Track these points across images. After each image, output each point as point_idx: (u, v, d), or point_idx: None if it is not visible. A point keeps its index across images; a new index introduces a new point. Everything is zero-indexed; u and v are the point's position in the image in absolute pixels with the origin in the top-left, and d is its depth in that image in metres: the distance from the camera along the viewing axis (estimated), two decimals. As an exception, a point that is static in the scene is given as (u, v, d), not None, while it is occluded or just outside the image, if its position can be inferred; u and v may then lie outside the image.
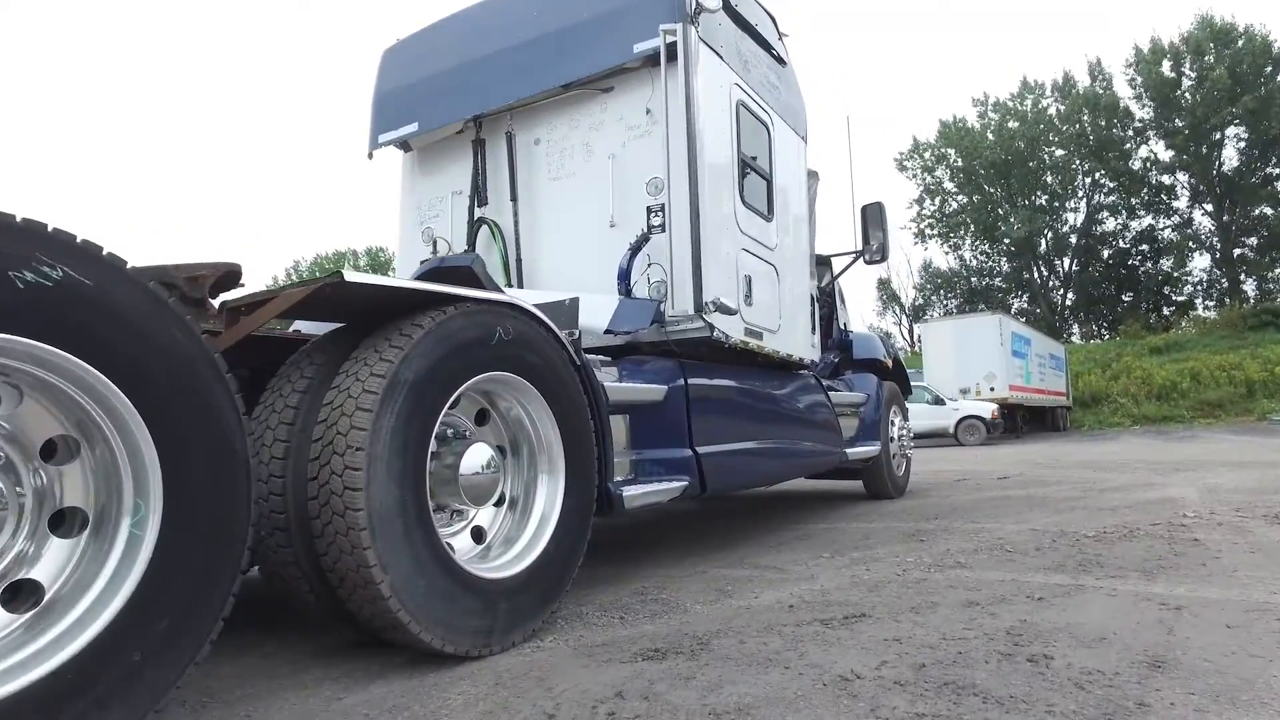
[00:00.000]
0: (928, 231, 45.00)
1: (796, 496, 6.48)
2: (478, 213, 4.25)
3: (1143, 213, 41.68)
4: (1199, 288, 40.96)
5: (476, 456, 2.35)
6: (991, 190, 42.97)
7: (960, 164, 43.18)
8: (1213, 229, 39.33)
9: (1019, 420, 20.75)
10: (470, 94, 4.23)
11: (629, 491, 2.90)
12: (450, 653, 2.09)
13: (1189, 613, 2.30)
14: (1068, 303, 43.87)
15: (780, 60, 4.60)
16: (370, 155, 4.63)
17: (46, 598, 1.49)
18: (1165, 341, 32.42)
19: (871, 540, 4.01)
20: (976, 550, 3.56)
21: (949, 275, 46.43)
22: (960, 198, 44.22)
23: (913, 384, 20.09)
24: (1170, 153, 39.07)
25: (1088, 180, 41.95)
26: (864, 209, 5.88)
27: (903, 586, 2.86)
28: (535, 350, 2.48)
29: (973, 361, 19.68)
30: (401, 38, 4.70)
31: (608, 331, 3.40)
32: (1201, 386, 25.72)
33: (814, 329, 5.43)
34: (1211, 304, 39.82)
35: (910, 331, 45.16)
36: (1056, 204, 42.71)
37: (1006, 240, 42.54)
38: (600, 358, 3.33)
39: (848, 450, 5.18)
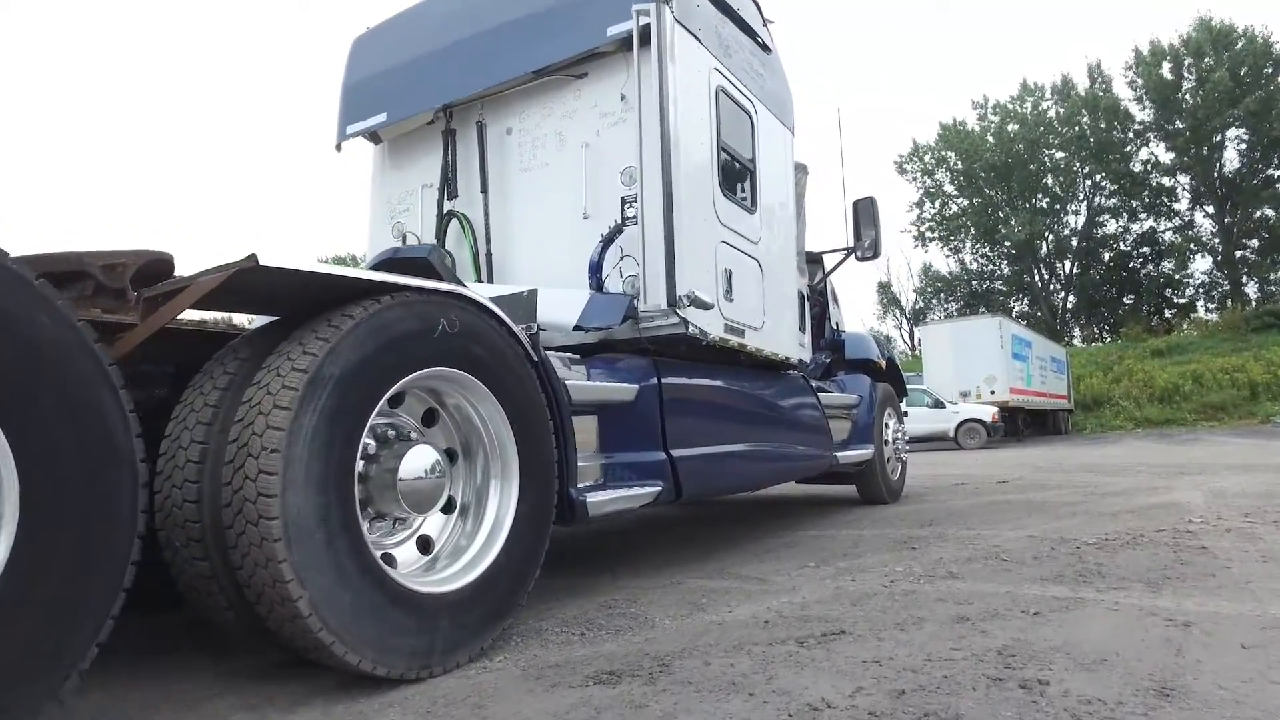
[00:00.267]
0: (928, 235, 44.85)
1: (787, 502, 6.28)
2: (447, 206, 4.07)
3: (1144, 215, 41.51)
4: (1200, 290, 40.78)
5: (418, 460, 2.16)
6: (992, 193, 42.78)
7: (960, 167, 43.01)
8: (1214, 231, 39.15)
9: (1020, 423, 20.54)
10: (440, 82, 4.05)
11: (594, 498, 2.70)
12: (383, 675, 1.89)
13: (1199, 630, 2.09)
14: (1069, 305, 43.64)
15: (765, 47, 4.42)
16: (338, 147, 4.45)
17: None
18: (1167, 344, 32.19)
19: (861, 548, 3.81)
20: (970, 559, 3.35)
21: (949, 279, 46.23)
22: (961, 201, 44.05)
23: (913, 387, 19.96)
24: (1171, 155, 38.92)
25: (1088, 183, 41.77)
26: (855, 204, 5.69)
27: (889, 599, 2.66)
28: (485, 344, 2.29)
29: (973, 364, 19.48)
30: (372, 26, 4.53)
31: (577, 328, 3.21)
32: (1204, 389, 25.48)
33: (803, 328, 5.24)
34: (1213, 306, 39.62)
35: (911, 335, 44.95)
36: (1057, 207, 42.52)
37: (1007, 243, 42.35)
38: (569, 355, 3.14)
39: (838, 454, 4.98)
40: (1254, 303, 36.07)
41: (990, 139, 42.34)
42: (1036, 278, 43.72)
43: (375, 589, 1.88)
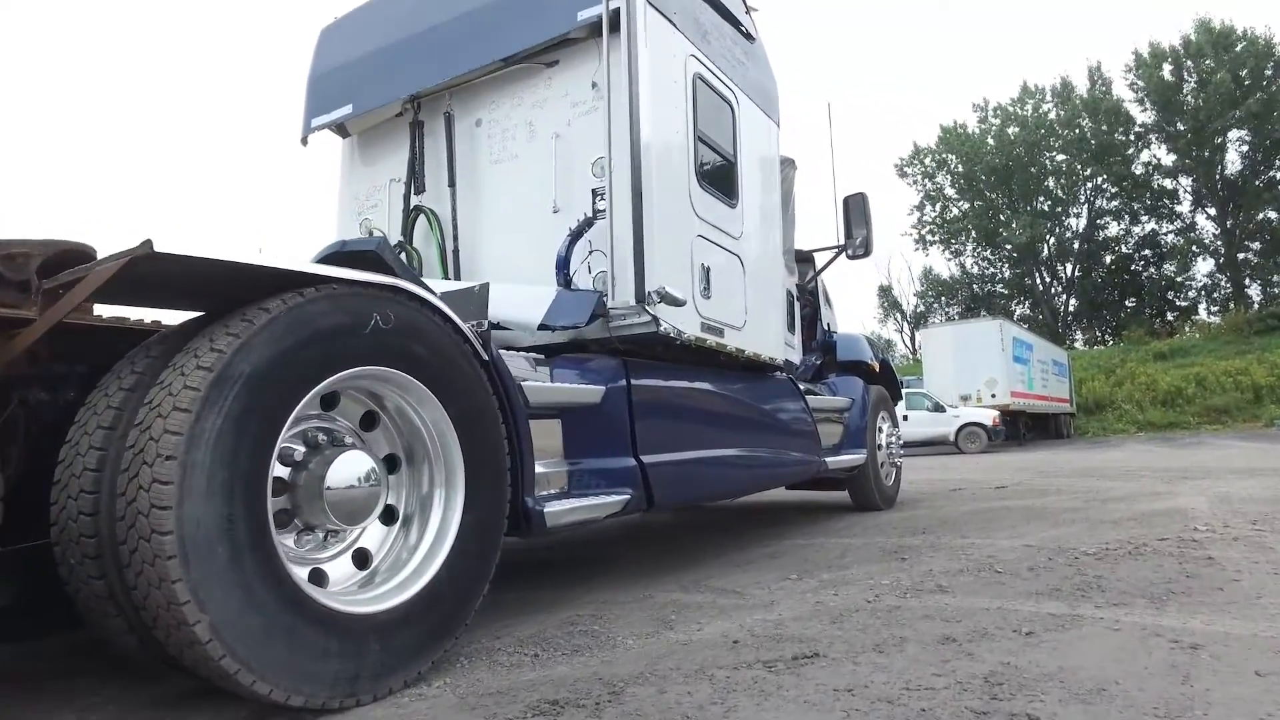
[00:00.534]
0: (929, 238, 44.67)
1: (778, 509, 6.08)
2: (414, 201, 3.89)
3: (1145, 217, 41.31)
4: (1203, 293, 40.52)
5: (349, 466, 1.97)
6: (993, 196, 42.59)
7: (961, 170, 42.85)
8: (1216, 233, 38.91)
9: (1021, 427, 20.30)
10: (407, 72, 3.88)
11: (553, 507, 2.51)
12: (299, 705, 1.71)
13: (1208, 654, 1.90)
14: (1070, 308, 43.39)
15: (748, 35, 4.25)
16: (304, 141, 4.27)
17: None
18: (1170, 347, 31.94)
19: (848, 558, 3.62)
20: (962, 571, 3.16)
21: (950, 282, 46.00)
22: (961, 204, 43.86)
23: (913, 391, 19.74)
24: (1172, 157, 38.73)
25: (1089, 185, 41.57)
26: (846, 200, 5.51)
27: (871, 616, 2.47)
28: (426, 342, 2.11)
29: (974, 368, 19.27)
30: (339, 15, 4.36)
31: (542, 326, 3.04)
32: (1207, 392, 25.23)
33: (791, 328, 5.05)
34: (1215, 309, 39.37)
35: (912, 339, 44.74)
36: (1058, 209, 42.33)
37: (1008, 246, 42.15)
38: (534, 355, 2.96)
39: (828, 459, 4.78)
40: (1257, 305, 35.81)
41: (991, 142, 42.20)
42: (1038, 281, 43.49)
43: (290, 609, 1.69)
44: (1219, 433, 20.74)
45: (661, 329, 3.03)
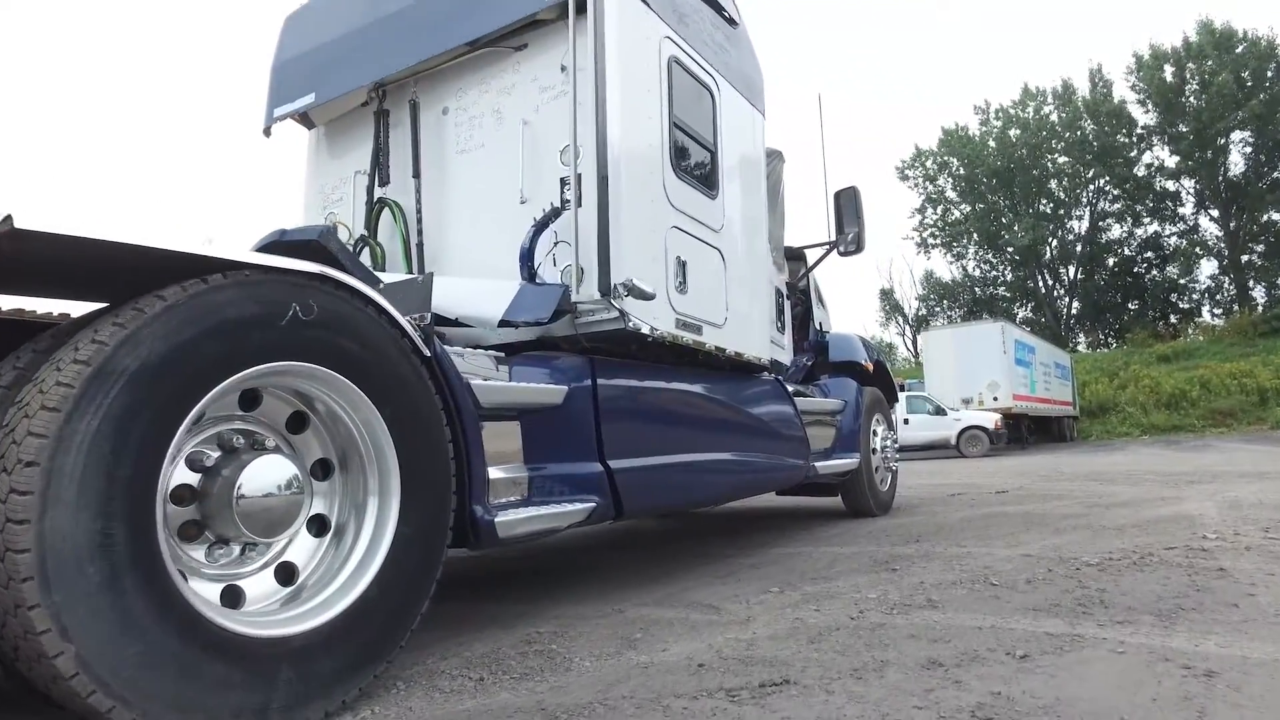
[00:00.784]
0: (930, 241, 44.42)
1: (770, 515, 5.87)
2: (378, 193, 3.70)
3: (1148, 219, 41.03)
4: (1206, 295, 40.23)
5: (267, 473, 1.78)
6: (994, 199, 42.36)
7: (963, 172, 42.64)
8: (1219, 235, 38.64)
9: (1024, 430, 20.05)
10: (371, 59, 3.69)
11: (507, 517, 2.31)
12: (194, 747, 1.50)
13: (1225, 683, 1.68)
14: (1073, 311, 43.10)
15: (730, 20, 4.06)
16: (267, 132, 4.08)
17: None
18: (1173, 349, 31.67)
19: (835, 569, 3.41)
20: (955, 583, 2.95)
21: (952, 285, 45.73)
22: (963, 207, 43.62)
23: (914, 394, 19.51)
24: (1175, 159, 38.48)
25: (1092, 187, 41.34)
26: (837, 195, 5.31)
27: (852, 635, 2.26)
28: (356, 336, 1.91)
29: (975, 370, 19.05)
30: (305, 1, 4.18)
31: (504, 323, 2.84)
32: (1212, 395, 24.96)
33: (780, 326, 4.86)
34: (1219, 311, 39.07)
35: (914, 342, 44.45)
36: (1061, 212, 42.08)
37: (1010, 249, 41.88)
38: (494, 353, 2.76)
39: (818, 464, 4.57)
40: (1261, 307, 35.51)
41: (992, 144, 41.98)
42: (1040, 283, 43.22)
43: (179, 636, 1.49)
44: (1224, 435, 20.47)
45: (630, 325, 2.83)
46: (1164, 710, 1.55)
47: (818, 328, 5.86)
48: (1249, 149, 36.41)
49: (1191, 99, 36.47)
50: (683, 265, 3.28)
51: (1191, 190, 39.19)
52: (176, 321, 1.57)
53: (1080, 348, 40.54)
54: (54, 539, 1.35)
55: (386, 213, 3.67)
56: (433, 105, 3.64)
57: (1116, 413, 25.82)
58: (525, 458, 2.64)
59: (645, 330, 2.94)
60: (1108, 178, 39.89)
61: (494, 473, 2.44)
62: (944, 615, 2.45)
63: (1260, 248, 37.43)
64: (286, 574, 1.92)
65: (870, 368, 5.85)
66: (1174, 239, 40.30)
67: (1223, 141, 36.30)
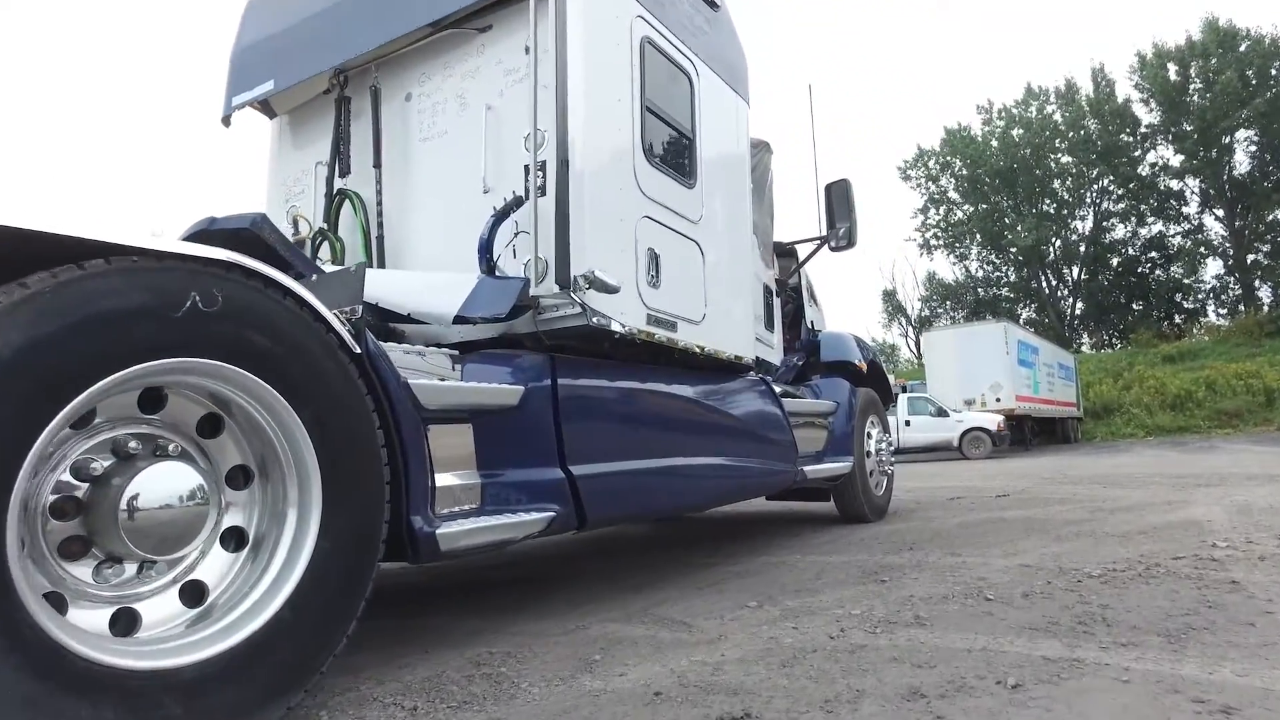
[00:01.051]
0: (933, 242, 44.16)
1: (762, 520, 5.67)
2: (339, 184, 3.52)
3: (1152, 219, 40.74)
4: (1211, 295, 39.89)
5: (162, 482, 1.58)
6: (997, 199, 42.10)
7: (965, 173, 42.38)
8: (1224, 235, 38.32)
9: (1027, 432, 19.81)
10: (331, 43, 3.51)
11: (451, 528, 2.11)
12: (59, 799, 1.31)
13: (1242, 722, 1.48)
14: (1077, 312, 42.79)
15: (712, 3, 3.86)
16: (226, 121, 3.90)
17: None
18: (1178, 350, 31.38)
19: (821, 581, 3.20)
20: (947, 597, 2.74)
21: (955, 286, 45.45)
22: (966, 207, 43.36)
23: (916, 395, 19.29)
24: (1179, 158, 38.16)
25: (1095, 187, 41.05)
26: (828, 188, 5.12)
27: (829, 659, 2.06)
28: (270, 330, 1.71)
29: (977, 371, 18.82)
30: (268, -16, 4.00)
31: (459, 319, 2.65)
32: (1218, 395, 24.68)
33: (768, 324, 4.67)
34: (1224, 311, 38.74)
35: (917, 343, 44.16)
36: (1064, 212, 41.79)
37: (1013, 249, 41.59)
38: (447, 351, 2.58)
39: (807, 468, 4.37)
40: (1267, 307, 35.18)
41: (995, 144, 41.74)
42: (1044, 284, 42.93)
43: (33, 671, 1.29)
44: (1231, 437, 20.18)
45: (595, 321, 2.64)
46: (1174, 756, 1.35)
47: (809, 326, 5.66)
48: (1254, 148, 36.13)
49: (1196, 98, 36.18)
50: (655, 258, 3.08)
51: (1196, 190, 38.90)
52: (36, 312, 1.37)
53: (1084, 348, 40.25)
54: (-126, 563, 1.16)
55: (347, 205, 3.49)
56: (395, 92, 3.45)
57: (1121, 414, 25.55)
58: (479, 463, 2.43)
59: (614, 327, 2.74)
60: (1111, 177, 39.59)
61: (443, 479, 2.25)
62: (932, 635, 2.24)
63: (1266, 247, 37.11)
64: (196, 594, 1.73)
65: (864, 368, 5.65)
66: (1178, 239, 40.01)
67: (1227, 140, 36.01)
